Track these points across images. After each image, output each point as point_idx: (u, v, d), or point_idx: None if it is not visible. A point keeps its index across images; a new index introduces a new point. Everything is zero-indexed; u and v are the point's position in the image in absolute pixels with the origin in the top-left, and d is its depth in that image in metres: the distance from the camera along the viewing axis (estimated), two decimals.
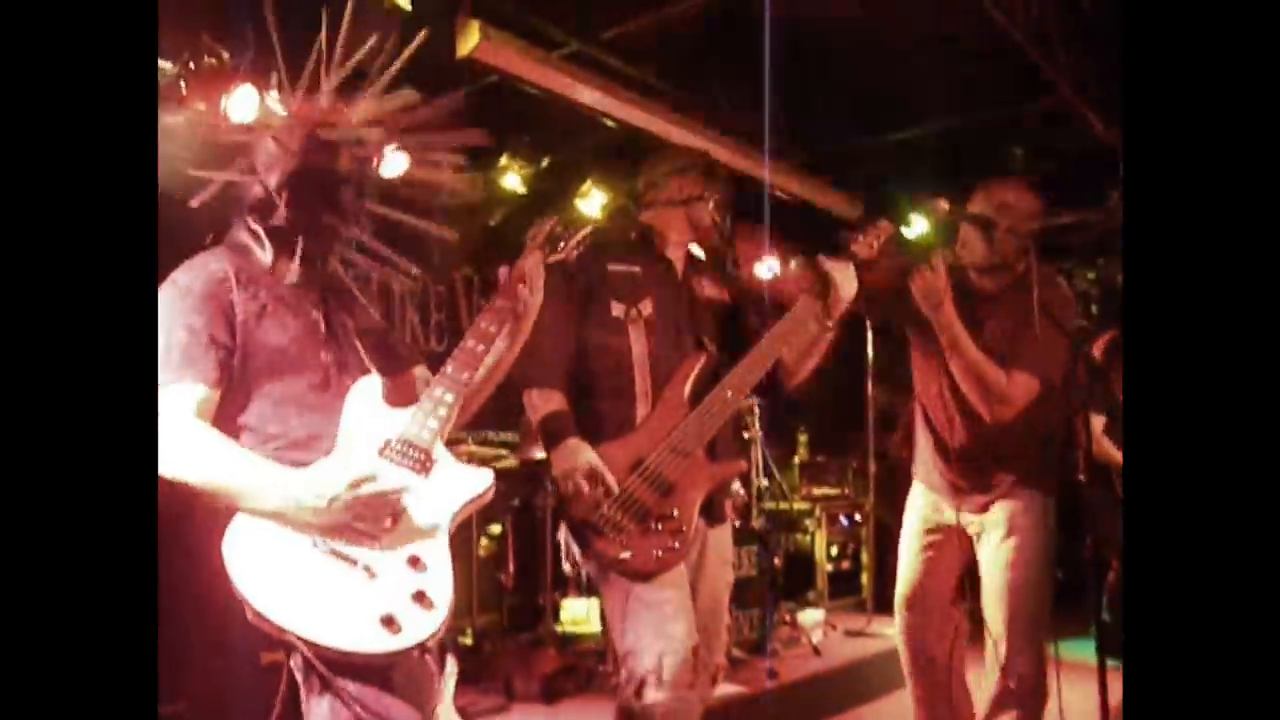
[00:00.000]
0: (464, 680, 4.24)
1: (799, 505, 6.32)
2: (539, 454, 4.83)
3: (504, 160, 5.57)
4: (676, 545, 2.57)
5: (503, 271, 2.29)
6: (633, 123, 5.25)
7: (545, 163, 5.73)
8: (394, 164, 5.60)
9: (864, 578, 6.40)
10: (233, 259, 2.13)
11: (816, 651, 5.04)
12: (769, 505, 6.16)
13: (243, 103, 4.56)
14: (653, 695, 2.48)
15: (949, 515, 3.22)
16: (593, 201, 5.94)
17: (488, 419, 5.67)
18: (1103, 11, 4.86)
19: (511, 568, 4.94)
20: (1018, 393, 3.00)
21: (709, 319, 2.90)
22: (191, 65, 4.55)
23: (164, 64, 4.51)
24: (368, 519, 1.88)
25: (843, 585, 6.45)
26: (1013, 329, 3.03)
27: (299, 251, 2.17)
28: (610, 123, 5.49)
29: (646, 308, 2.77)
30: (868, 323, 5.67)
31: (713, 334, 2.88)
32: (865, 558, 6.41)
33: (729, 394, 2.69)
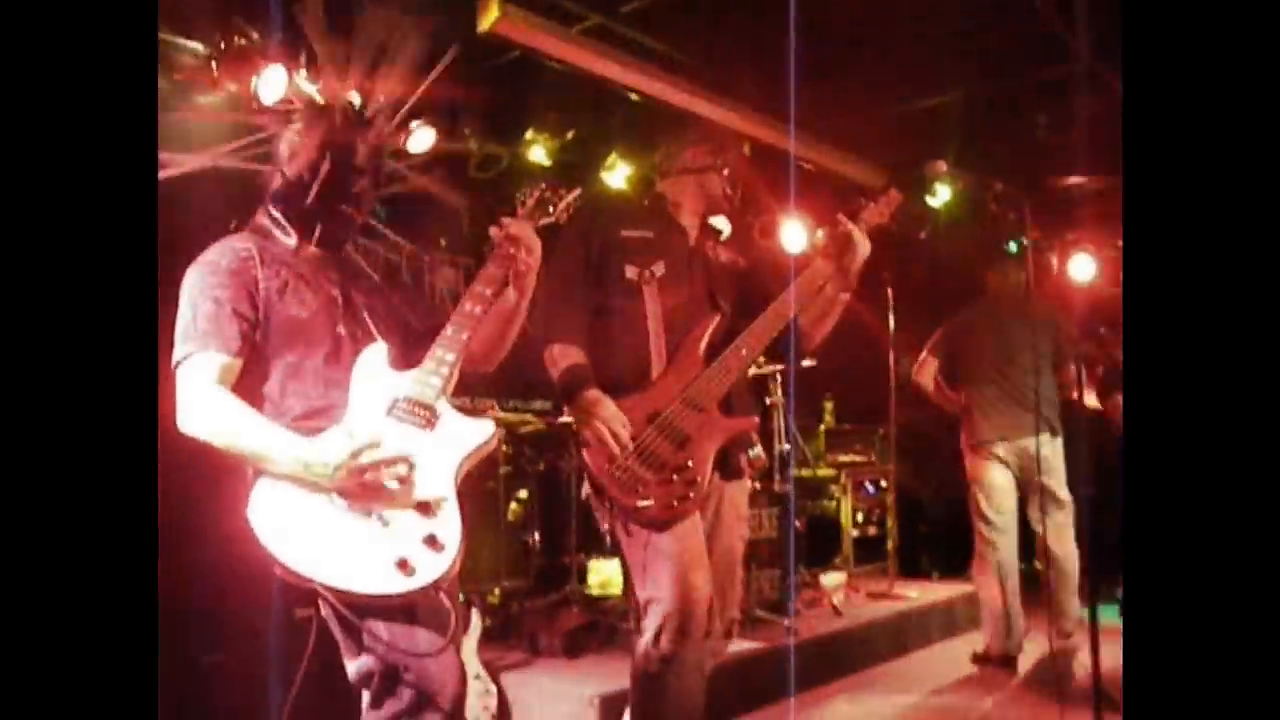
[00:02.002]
0: (491, 637, 4.41)
1: (824, 471, 6.41)
2: (564, 418, 4.97)
3: (530, 134, 5.67)
4: (691, 495, 2.67)
5: (494, 233, 2.40)
6: (654, 95, 5.33)
7: (570, 136, 5.82)
8: (421, 139, 5.71)
9: (889, 544, 6.48)
10: (257, 240, 2.27)
11: (837, 612, 5.14)
12: (795, 471, 6.26)
13: (272, 83, 4.70)
14: (671, 643, 2.60)
15: None
16: (618, 174, 6.04)
17: (516, 388, 5.84)
18: None
19: (538, 531, 5.08)
20: None
21: (724, 283, 3.00)
22: (222, 46, 4.68)
23: (195, 45, 4.65)
24: (374, 482, 2.00)
25: (870, 551, 6.54)
26: None
27: (317, 236, 2.32)
28: (635, 96, 5.59)
29: (659, 269, 2.87)
30: (889, 291, 5.75)
31: (729, 297, 2.97)
32: (890, 524, 6.49)
33: (743, 351, 2.81)
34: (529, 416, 5.10)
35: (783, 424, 5.47)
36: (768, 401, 5.49)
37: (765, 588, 4.95)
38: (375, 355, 2.24)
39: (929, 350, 5.12)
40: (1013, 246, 6.92)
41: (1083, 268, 7.10)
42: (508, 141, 5.61)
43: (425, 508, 2.02)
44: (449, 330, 2.26)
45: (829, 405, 6.74)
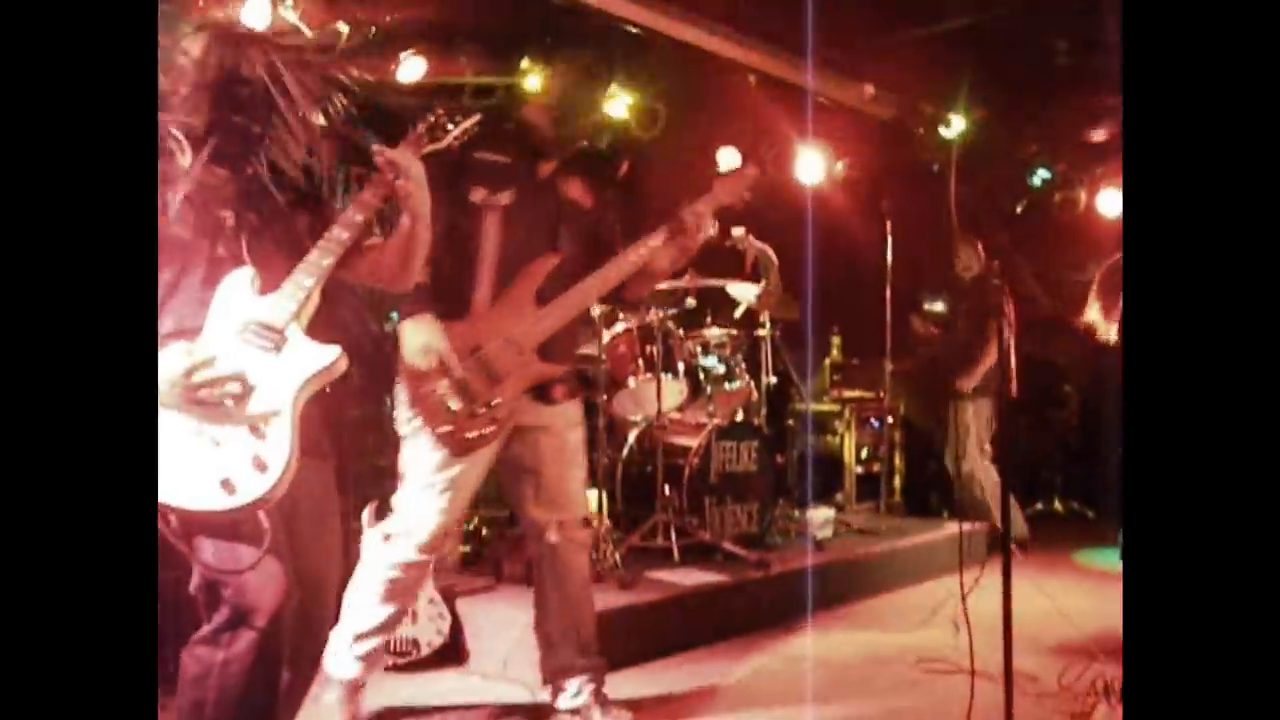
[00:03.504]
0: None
1: (827, 406, 6.35)
2: None
3: (526, 63, 5.62)
4: (488, 431, 2.86)
5: (378, 158, 2.41)
6: (647, 25, 5.24)
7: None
8: (411, 68, 5.69)
9: (896, 481, 6.41)
10: None
11: (819, 547, 5.11)
12: (797, 406, 6.22)
13: (255, 11, 4.72)
14: (403, 544, 2.98)
15: None
16: (618, 104, 5.98)
17: None
18: None
19: None
20: None
21: (571, 219, 3.07)
22: None
23: None
24: (207, 399, 2.04)
25: (875, 488, 6.48)
26: None
27: (211, 154, 2.33)
28: (634, 28, 5.51)
29: (505, 198, 2.95)
30: (888, 225, 5.63)
31: (574, 236, 3.05)
32: (897, 461, 6.42)
33: (570, 302, 2.95)
34: None
35: (769, 357, 5.44)
36: (757, 334, 5.45)
37: (743, 521, 4.94)
38: (240, 278, 2.26)
39: None
40: (1037, 179, 6.73)
41: (1111, 203, 6.87)
42: (503, 70, 5.57)
43: (257, 429, 2.06)
44: (313, 255, 2.28)
45: (836, 340, 6.66)
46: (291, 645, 2.23)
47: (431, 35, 5.13)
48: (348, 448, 3.24)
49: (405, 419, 2.92)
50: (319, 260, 2.27)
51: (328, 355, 2.18)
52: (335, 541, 2.42)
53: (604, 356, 4.83)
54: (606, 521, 4.91)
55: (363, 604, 3.02)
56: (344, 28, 5.13)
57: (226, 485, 1.98)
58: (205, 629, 2.06)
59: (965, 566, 3.07)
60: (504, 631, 3.86)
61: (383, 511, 3.37)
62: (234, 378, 2.06)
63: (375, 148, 2.45)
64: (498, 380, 2.85)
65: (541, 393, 2.99)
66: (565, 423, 3.10)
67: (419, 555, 2.99)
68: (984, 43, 5.91)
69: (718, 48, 5.51)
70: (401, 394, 2.95)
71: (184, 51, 2.38)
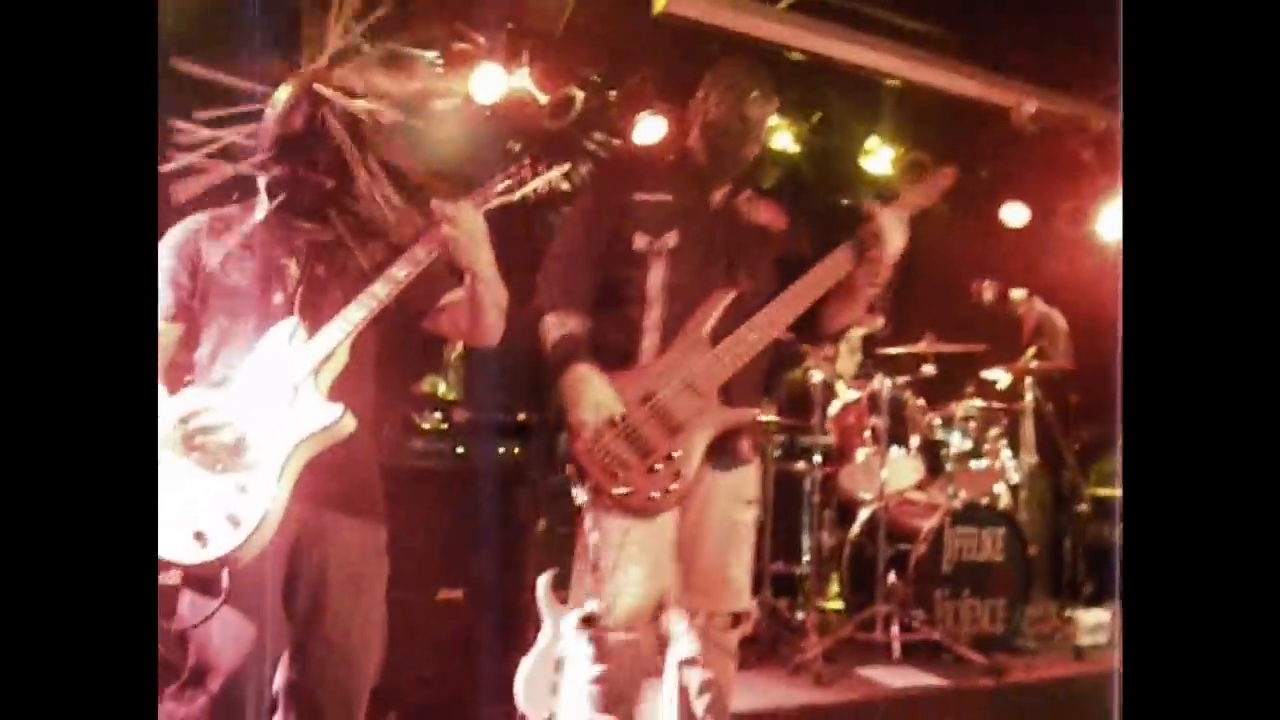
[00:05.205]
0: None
1: (1113, 492, 5.52)
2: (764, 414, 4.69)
3: (773, 119, 5.41)
4: (674, 488, 2.47)
5: (435, 208, 2.31)
6: (902, 75, 4.89)
7: (818, 119, 5.49)
8: (650, 129, 5.66)
9: None
10: (226, 211, 2.34)
11: (1080, 656, 4.40)
12: (1090, 491, 5.48)
13: (487, 82, 4.91)
14: (604, 629, 2.49)
15: None
16: (879, 159, 5.61)
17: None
18: None
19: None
20: None
21: (752, 250, 2.69)
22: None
23: (425, 53, 4.97)
24: (200, 447, 2.01)
25: None
26: None
27: (281, 203, 2.34)
28: (893, 80, 5.18)
29: (672, 239, 2.62)
30: None
31: (754, 266, 2.67)
32: None
33: (753, 335, 2.55)
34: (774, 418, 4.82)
35: (1035, 435, 4.82)
36: (1017, 407, 4.86)
37: (984, 619, 4.35)
38: (283, 329, 2.23)
39: None
40: None
41: None
42: None
43: (242, 485, 2.00)
44: (349, 309, 2.21)
45: None
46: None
47: (670, 94, 5.07)
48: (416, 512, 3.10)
49: (579, 485, 2.60)
50: (353, 314, 2.19)
51: (329, 414, 2.09)
52: (375, 611, 2.30)
53: (829, 427, 4.48)
54: (835, 604, 4.54)
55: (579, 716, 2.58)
56: (579, 93, 5.22)
57: (199, 538, 1.93)
58: (176, 683, 2.02)
59: None
60: None
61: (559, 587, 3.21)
62: (225, 427, 2.02)
63: (434, 202, 2.36)
64: (677, 429, 2.49)
65: (726, 446, 2.59)
66: (744, 490, 2.67)
67: (625, 636, 2.52)
68: None
69: (977, 91, 5.02)
70: (567, 456, 2.63)
71: (271, 104, 2.40)
